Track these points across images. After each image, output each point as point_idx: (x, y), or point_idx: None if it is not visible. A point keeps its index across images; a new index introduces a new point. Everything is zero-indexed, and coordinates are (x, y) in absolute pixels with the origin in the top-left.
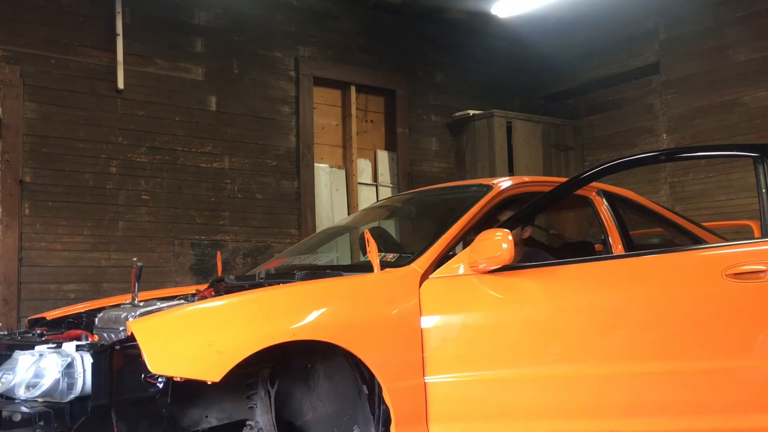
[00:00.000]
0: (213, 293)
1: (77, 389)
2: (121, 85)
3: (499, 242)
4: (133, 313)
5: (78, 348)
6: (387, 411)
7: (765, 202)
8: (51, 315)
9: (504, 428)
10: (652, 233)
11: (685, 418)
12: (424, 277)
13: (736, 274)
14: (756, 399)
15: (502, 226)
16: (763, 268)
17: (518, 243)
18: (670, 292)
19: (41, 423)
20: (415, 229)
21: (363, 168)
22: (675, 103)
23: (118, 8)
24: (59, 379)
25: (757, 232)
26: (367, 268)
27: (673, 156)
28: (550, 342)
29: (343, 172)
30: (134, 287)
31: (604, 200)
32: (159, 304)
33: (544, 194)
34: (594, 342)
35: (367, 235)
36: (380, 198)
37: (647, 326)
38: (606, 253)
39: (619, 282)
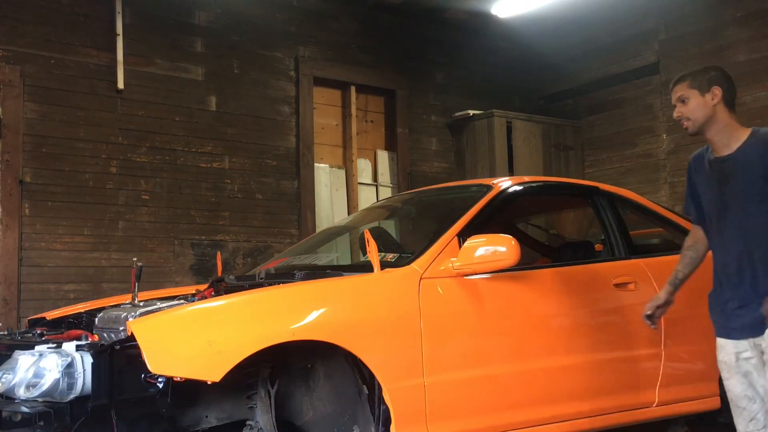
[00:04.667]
0: (213, 293)
1: (77, 389)
2: (121, 85)
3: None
4: (133, 313)
5: (78, 348)
6: (387, 411)
7: None
8: (51, 315)
9: (498, 421)
10: (652, 233)
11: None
12: (424, 277)
13: (616, 284)
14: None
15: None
16: (630, 280)
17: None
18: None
19: (41, 423)
20: (415, 229)
21: (363, 168)
22: None
23: (118, 8)
24: (59, 379)
25: None
26: (367, 268)
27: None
28: (527, 341)
29: (343, 172)
30: (134, 287)
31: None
32: (159, 304)
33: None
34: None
35: (367, 235)
36: (380, 198)
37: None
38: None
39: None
